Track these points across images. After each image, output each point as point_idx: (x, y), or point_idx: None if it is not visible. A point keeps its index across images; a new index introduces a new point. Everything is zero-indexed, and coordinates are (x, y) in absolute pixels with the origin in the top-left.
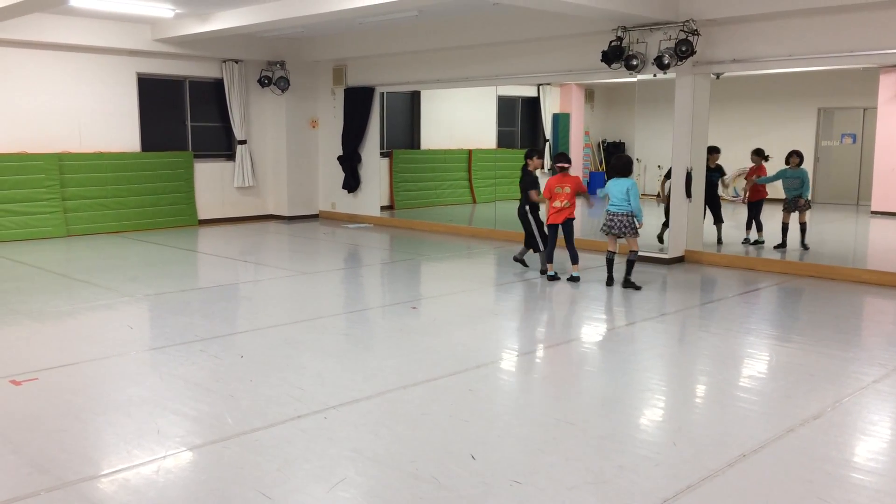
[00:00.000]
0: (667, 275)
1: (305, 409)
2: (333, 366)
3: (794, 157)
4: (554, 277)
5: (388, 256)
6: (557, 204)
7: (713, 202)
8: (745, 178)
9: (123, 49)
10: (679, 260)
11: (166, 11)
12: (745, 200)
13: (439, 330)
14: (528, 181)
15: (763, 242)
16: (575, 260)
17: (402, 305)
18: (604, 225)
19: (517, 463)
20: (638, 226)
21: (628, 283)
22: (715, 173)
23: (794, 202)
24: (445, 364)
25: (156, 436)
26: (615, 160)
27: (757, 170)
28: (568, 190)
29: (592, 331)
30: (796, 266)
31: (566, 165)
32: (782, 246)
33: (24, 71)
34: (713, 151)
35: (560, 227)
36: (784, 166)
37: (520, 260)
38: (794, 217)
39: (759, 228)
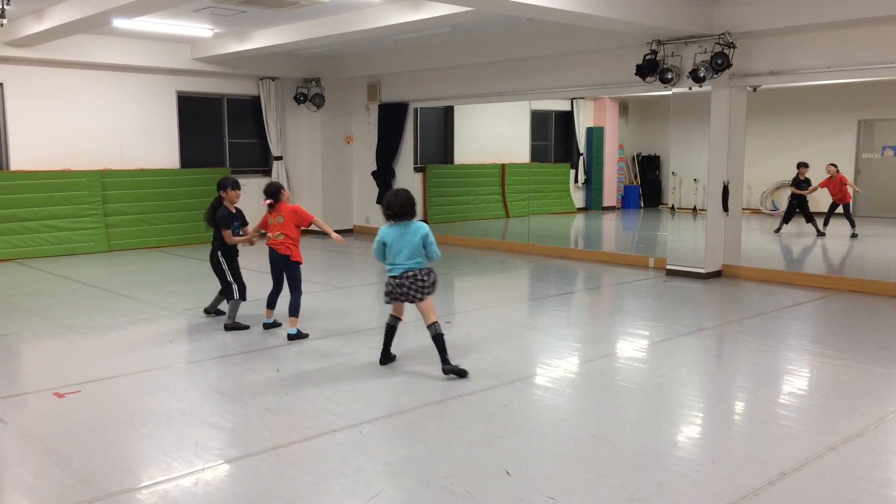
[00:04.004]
0: (704, 290)
1: (341, 423)
2: (368, 380)
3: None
4: (272, 325)
5: None
6: (270, 236)
7: (804, 209)
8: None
9: (164, 68)
10: (716, 274)
11: (205, 31)
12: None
13: (474, 344)
14: (221, 217)
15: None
16: (295, 311)
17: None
18: (388, 293)
19: (552, 479)
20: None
21: (450, 369)
22: (803, 184)
23: None
24: (480, 379)
25: (194, 448)
26: (391, 197)
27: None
28: (281, 220)
29: (629, 346)
30: (838, 281)
31: (270, 202)
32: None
33: (68, 90)
34: (802, 165)
35: (282, 267)
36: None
37: (213, 311)
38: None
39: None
